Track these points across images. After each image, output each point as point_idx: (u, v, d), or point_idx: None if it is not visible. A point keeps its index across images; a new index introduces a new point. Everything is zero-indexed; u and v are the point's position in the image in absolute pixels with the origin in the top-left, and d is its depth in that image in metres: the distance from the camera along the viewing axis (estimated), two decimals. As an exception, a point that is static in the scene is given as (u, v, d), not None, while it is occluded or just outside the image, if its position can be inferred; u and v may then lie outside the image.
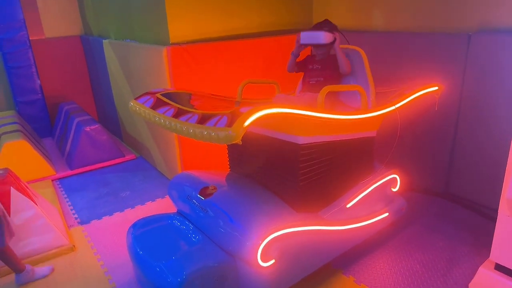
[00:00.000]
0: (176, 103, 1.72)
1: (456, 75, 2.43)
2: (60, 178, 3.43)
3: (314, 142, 1.81)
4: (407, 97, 2.12)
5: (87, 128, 3.54)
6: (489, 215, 2.44)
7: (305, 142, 1.77)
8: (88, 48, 4.71)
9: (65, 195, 3.10)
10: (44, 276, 2.11)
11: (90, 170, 3.56)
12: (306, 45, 2.13)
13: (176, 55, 2.69)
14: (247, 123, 1.35)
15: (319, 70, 2.11)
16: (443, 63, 2.47)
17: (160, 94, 1.84)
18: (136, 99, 1.85)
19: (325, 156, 1.90)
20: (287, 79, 2.48)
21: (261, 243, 1.62)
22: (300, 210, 1.87)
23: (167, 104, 1.71)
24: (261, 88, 2.37)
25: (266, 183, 2.01)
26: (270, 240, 1.64)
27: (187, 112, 1.57)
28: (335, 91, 2.01)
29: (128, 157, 3.79)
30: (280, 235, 1.69)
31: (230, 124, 1.34)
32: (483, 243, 2.20)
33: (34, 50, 4.33)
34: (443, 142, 2.63)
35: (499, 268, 1.73)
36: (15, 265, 2.02)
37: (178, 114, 1.58)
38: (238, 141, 1.33)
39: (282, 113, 1.49)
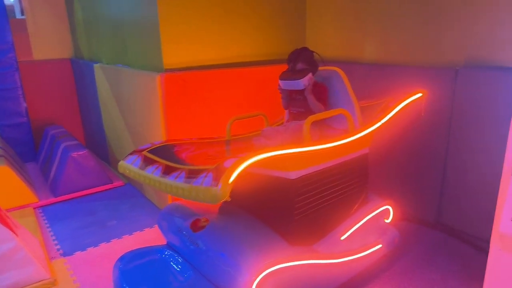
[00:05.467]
0: (163, 158, 1.70)
1: (445, 107, 2.47)
2: (42, 206, 3.30)
3: (307, 174, 1.79)
4: (393, 109, 2.13)
5: (74, 154, 3.45)
6: (481, 247, 2.43)
7: (298, 176, 1.75)
8: (78, 72, 4.68)
9: (48, 224, 2.98)
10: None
11: (76, 197, 3.45)
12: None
13: (170, 82, 2.68)
14: (231, 179, 1.35)
15: (301, 100, 2.15)
16: (432, 95, 2.51)
17: (147, 151, 1.83)
18: (124, 159, 1.83)
19: (320, 183, 1.88)
20: (278, 105, 2.49)
21: (255, 279, 1.57)
22: (295, 244, 1.83)
23: (155, 162, 1.69)
24: (250, 121, 2.35)
25: (260, 214, 1.97)
26: (264, 275, 1.59)
27: (175, 169, 1.56)
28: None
29: (116, 183, 3.70)
30: (275, 270, 1.64)
31: (215, 183, 1.34)
32: (475, 276, 2.18)
33: (22, 72, 4.25)
34: (434, 172, 2.64)
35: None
36: None
37: (166, 172, 1.57)
38: (227, 198, 1.32)
39: (266, 157, 1.48)
